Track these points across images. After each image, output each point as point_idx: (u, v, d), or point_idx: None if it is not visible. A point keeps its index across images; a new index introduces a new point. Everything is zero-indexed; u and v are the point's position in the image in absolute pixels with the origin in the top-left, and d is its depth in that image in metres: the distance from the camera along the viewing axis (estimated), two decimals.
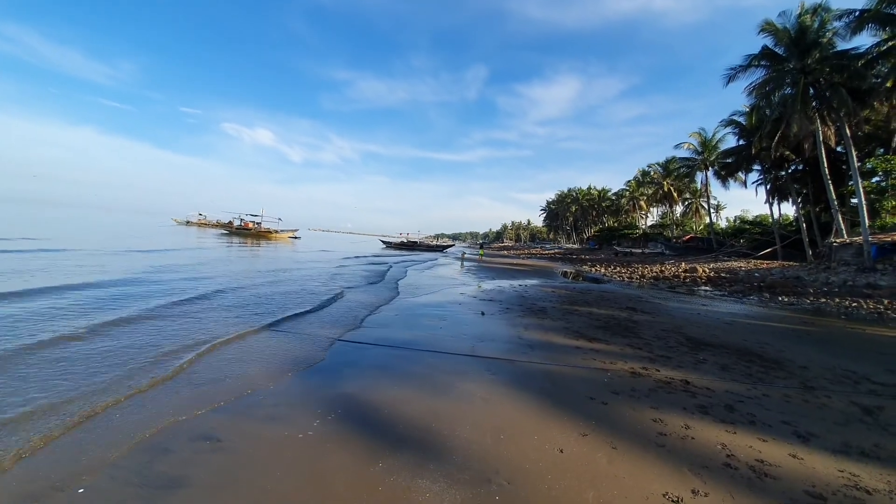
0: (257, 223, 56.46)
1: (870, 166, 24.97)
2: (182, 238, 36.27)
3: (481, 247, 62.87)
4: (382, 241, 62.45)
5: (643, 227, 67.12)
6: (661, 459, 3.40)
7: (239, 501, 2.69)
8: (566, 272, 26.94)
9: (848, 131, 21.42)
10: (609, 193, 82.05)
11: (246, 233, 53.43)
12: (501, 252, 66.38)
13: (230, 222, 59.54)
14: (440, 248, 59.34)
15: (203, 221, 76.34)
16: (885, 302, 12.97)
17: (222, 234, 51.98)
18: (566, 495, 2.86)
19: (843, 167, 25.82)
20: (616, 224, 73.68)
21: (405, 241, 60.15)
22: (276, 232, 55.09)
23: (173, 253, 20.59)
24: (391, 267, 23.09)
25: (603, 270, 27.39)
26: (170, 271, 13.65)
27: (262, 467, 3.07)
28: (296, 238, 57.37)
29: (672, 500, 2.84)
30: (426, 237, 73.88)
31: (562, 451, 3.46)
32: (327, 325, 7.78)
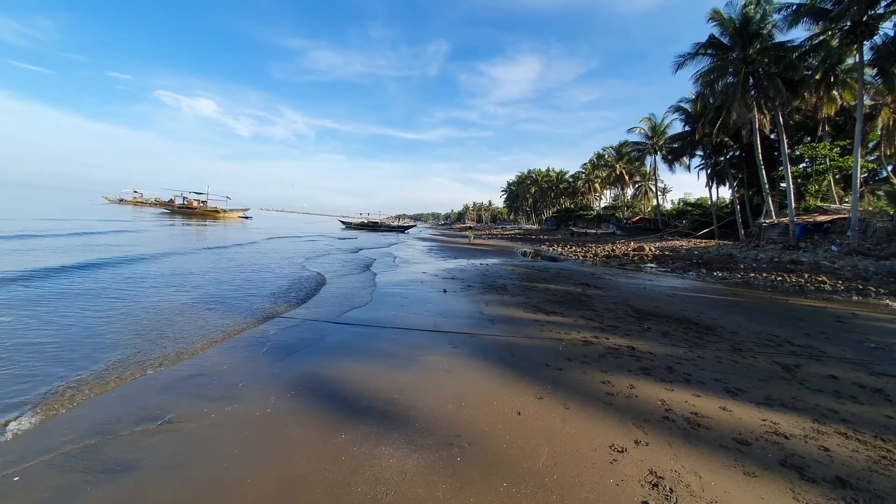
0: (202, 202, 52.87)
1: (798, 153, 27.30)
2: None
3: (471, 230, 63.16)
4: (342, 222, 60.75)
5: (597, 208, 69.92)
6: (609, 416, 3.66)
7: (194, 481, 2.62)
8: (525, 251, 27.70)
9: (781, 119, 23.25)
10: (566, 176, 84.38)
11: (190, 212, 49.90)
12: (463, 232, 66.92)
13: (171, 200, 55.30)
14: (402, 229, 58.79)
15: (140, 200, 70.48)
16: (806, 276, 14.44)
17: (163, 214, 48.37)
18: (523, 452, 3.02)
19: (775, 153, 28.05)
20: (573, 205, 76.15)
21: (366, 221, 58.84)
22: (225, 211, 52.00)
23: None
24: (359, 250, 22.64)
25: (560, 250, 28.41)
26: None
27: (218, 446, 2.99)
28: (246, 218, 54.58)
29: (618, 451, 3.08)
30: (387, 217, 72.63)
31: (519, 414, 3.63)
32: (289, 304, 7.58)
